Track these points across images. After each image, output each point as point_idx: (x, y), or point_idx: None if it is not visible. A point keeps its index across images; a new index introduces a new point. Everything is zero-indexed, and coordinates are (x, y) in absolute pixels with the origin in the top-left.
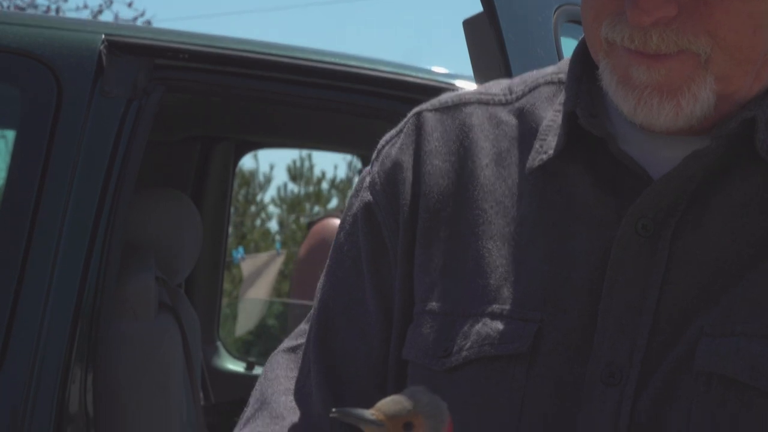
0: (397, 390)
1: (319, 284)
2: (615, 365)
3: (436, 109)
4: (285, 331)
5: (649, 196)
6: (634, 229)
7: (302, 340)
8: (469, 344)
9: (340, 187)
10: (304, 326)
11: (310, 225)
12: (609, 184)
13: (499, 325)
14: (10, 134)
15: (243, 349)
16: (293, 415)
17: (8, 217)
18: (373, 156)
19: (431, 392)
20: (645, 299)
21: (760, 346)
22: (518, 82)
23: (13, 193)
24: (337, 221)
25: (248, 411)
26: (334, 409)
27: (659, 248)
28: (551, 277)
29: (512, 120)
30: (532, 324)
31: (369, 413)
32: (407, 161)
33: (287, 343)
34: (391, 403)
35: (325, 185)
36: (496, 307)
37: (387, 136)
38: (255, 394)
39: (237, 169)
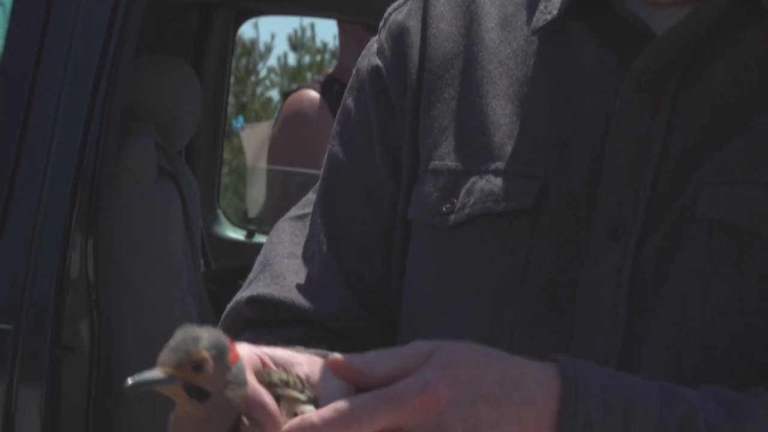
0: (403, 254)
1: (328, 149)
2: (618, 219)
3: None
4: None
5: (652, 51)
6: (638, 84)
7: (309, 209)
8: (472, 201)
9: None
10: (311, 195)
11: (285, 96)
12: (613, 42)
13: (503, 182)
14: None
15: (243, 217)
16: (295, 276)
17: (6, 83)
18: (380, 24)
19: (200, 326)
20: (648, 153)
21: (761, 193)
22: None
23: (12, 59)
24: (312, 92)
25: (251, 275)
26: (126, 384)
27: (662, 102)
28: (556, 134)
29: None
30: (536, 180)
31: (157, 373)
32: (415, 26)
33: (294, 211)
34: (172, 353)
35: (326, 56)
36: (499, 164)
37: (395, 4)
38: (259, 259)
39: (237, 38)
